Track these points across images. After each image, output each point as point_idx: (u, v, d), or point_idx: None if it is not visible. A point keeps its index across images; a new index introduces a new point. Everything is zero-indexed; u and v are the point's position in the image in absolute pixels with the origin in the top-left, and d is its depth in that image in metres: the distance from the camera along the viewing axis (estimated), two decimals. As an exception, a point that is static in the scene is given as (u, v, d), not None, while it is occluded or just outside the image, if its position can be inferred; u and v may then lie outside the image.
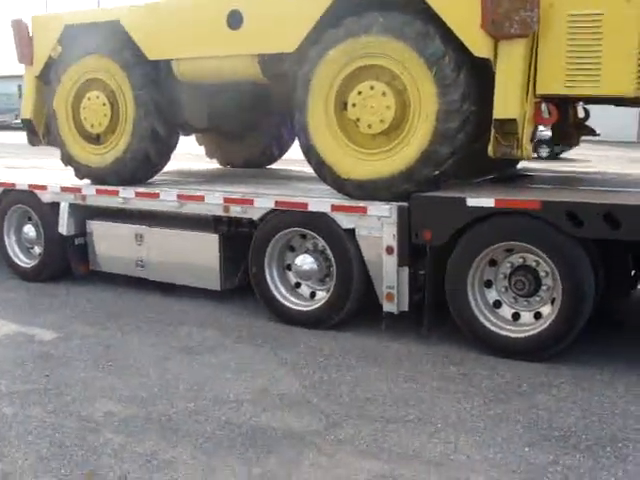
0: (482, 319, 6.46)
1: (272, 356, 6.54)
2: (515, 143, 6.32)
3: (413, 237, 6.57)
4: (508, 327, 6.42)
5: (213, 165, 11.10)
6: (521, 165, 9.17)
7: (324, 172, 7.13)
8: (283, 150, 10.85)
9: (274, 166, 10.91)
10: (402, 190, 6.69)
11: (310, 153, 7.16)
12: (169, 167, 9.16)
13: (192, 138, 10.93)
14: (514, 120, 6.22)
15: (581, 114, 8.24)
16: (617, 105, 7.05)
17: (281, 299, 7.44)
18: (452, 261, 6.47)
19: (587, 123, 8.37)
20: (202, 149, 11.40)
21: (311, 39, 6.93)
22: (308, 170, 7.98)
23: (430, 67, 6.38)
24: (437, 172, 6.58)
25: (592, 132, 8.20)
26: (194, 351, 6.69)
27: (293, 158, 10.80)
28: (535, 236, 6.11)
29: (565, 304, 6.06)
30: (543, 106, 6.36)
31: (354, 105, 6.79)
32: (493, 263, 6.49)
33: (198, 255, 7.96)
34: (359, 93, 6.75)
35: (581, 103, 7.79)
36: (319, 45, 6.87)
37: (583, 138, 8.60)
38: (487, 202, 6.21)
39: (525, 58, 6.17)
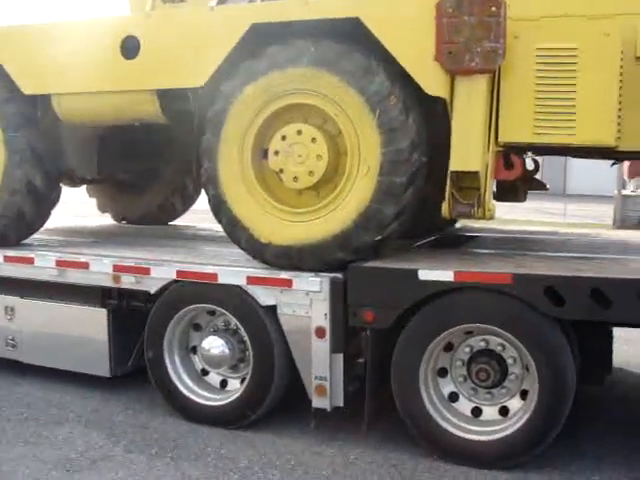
0: (436, 417, 5.09)
1: (173, 471, 4.98)
2: (476, 201, 5.06)
3: (350, 318, 5.17)
4: (468, 427, 5.07)
5: (106, 220, 9.39)
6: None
7: (238, 234, 5.65)
8: (187, 204, 9.23)
9: (177, 222, 9.30)
10: (336, 259, 5.30)
11: (221, 210, 5.68)
12: (51, 223, 7.47)
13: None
14: (476, 173, 4.97)
15: (530, 166, 7.06)
16: (585, 157, 5.90)
17: (184, 390, 5.85)
18: (400, 348, 5.08)
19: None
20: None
21: (224, 72, 5.49)
22: (218, 228, 6.50)
23: (372, 109, 5.06)
24: (379, 237, 5.22)
25: (542, 186, 7.01)
26: (74, 466, 5.05)
27: (200, 209, 9.25)
28: (505, 317, 4.83)
29: (543, 398, 4.79)
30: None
31: (277, 153, 5.39)
32: (449, 347, 5.15)
33: (83, 334, 6.31)
34: (283, 138, 5.36)
35: (529, 153, 6.61)
36: (234, 79, 5.46)
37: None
38: (444, 275, 4.88)
39: (487, 99, 4.94)
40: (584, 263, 5.19)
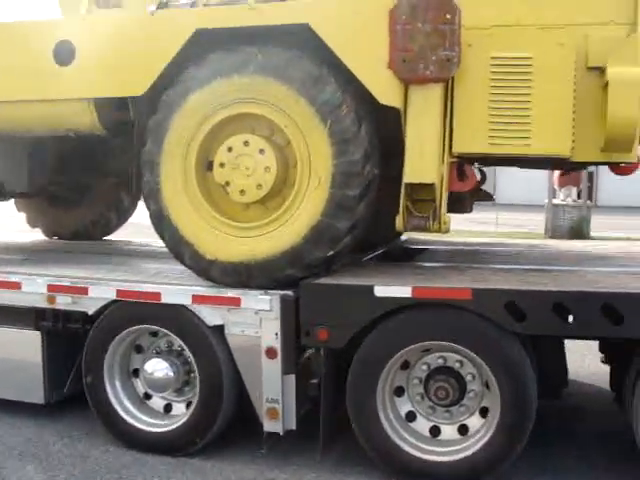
0: (394, 437, 4.87)
1: (116, 506, 4.62)
2: (431, 214, 4.88)
3: (303, 337, 4.91)
4: (427, 447, 4.87)
5: (36, 236, 8.88)
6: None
7: (182, 250, 5.33)
8: (122, 219, 8.78)
9: (111, 237, 8.85)
10: (286, 276, 5.05)
11: (163, 225, 5.35)
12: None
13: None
14: (431, 185, 4.81)
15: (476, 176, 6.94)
16: (538, 168, 5.80)
17: (126, 416, 5.49)
18: (356, 367, 4.85)
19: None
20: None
21: (166, 79, 5.19)
22: (158, 243, 6.16)
23: (323, 119, 4.83)
24: (332, 252, 4.99)
25: (489, 197, 6.90)
26: (5, 506, 4.64)
27: (135, 222, 8.84)
28: (465, 333, 4.65)
29: (505, 415, 4.63)
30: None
31: (222, 165, 5.10)
32: (405, 365, 4.94)
33: (14, 358, 5.87)
34: (229, 150, 5.08)
35: (476, 164, 6.49)
36: (177, 87, 5.16)
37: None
38: (402, 291, 4.68)
39: (442, 108, 4.78)
40: (542, 276, 5.07)
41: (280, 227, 5.04)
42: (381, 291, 4.69)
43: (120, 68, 5.31)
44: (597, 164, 5.25)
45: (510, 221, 22.39)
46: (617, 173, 5.35)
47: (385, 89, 4.79)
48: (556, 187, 18.48)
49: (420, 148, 4.78)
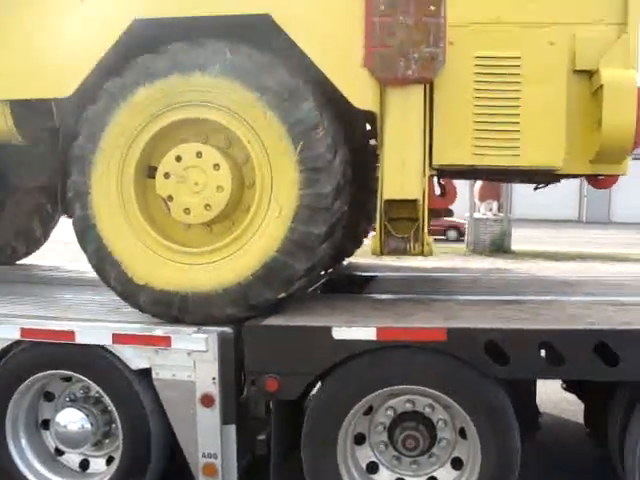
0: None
1: None
2: (412, 235, 4.18)
3: (248, 385, 4.04)
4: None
5: None
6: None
7: (106, 269, 4.37)
8: (31, 248, 7.52)
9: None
10: (226, 315, 4.21)
11: (87, 236, 4.38)
12: None
13: None
14: (414, 202, 4.11)
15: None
16: (523, 181, 5.17)
17: (32, 478, 4.49)
18: (313, 418, 4.03)
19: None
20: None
21: (103, 71, 4.26)
22: (73, 267, 5.15)
23: (295, 140, 4.02)
24: (283, 295, 4.19)
25: (448, 213, 6.20)
26: None
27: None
28: (441, 379, 3.90)
29: (487, 469, 3.91)
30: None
31: (167, 175, 4.20)
32: (368, 410, 4.15)
33: None
34: (178, 159, 4.19)
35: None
36: (125, 77, 4.25)
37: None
38: (365, 333, 3.87)
39: (423, 114, 4.10)
40: (517, 309, 4.36)
41: (226, 258, 4.18)
42: (340, 333, 3.87)
43: (42, 65, 4.34)
44: (582, 176, 4.67)
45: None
46: (597, 186, 4.76)
47: (359, 90, 4.05)
48: (476, 201, 18.15)
49: (401, 159, 4.09)
